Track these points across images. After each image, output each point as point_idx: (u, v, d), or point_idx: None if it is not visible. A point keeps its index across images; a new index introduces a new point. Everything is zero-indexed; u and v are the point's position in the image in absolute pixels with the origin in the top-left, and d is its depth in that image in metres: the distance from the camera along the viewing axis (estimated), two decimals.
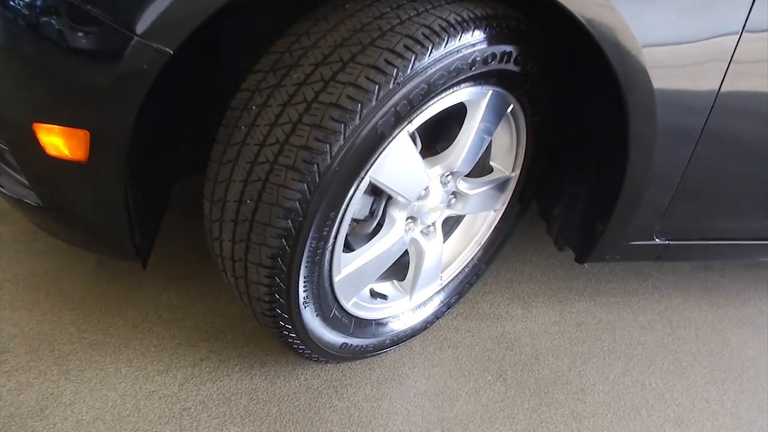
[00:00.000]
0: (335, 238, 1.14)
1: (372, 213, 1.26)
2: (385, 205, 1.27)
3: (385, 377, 1.44)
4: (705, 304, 1.81)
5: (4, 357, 1.38)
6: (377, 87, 0.97)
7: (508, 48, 1.12)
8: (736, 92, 1.18)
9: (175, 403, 1.32)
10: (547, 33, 1.22)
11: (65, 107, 1.04)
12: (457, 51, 1.03)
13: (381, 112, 0.99)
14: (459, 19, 1.03)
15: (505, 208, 1.54)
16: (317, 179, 0.98)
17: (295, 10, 1.13)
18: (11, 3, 0.94)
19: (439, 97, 1.10)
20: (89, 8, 0.92)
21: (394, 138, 1.07)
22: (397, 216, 1.27)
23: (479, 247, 1.57)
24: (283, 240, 1.02)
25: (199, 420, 1.29)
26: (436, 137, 1.37)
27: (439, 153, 1.30)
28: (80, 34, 0.96)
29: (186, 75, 1.30)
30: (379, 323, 1.43)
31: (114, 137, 1.05)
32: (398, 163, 1.12)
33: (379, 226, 1.30)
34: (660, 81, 1.11)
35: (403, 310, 1.47)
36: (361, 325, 1.38)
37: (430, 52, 1.00)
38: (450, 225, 1.55)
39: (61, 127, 1.06)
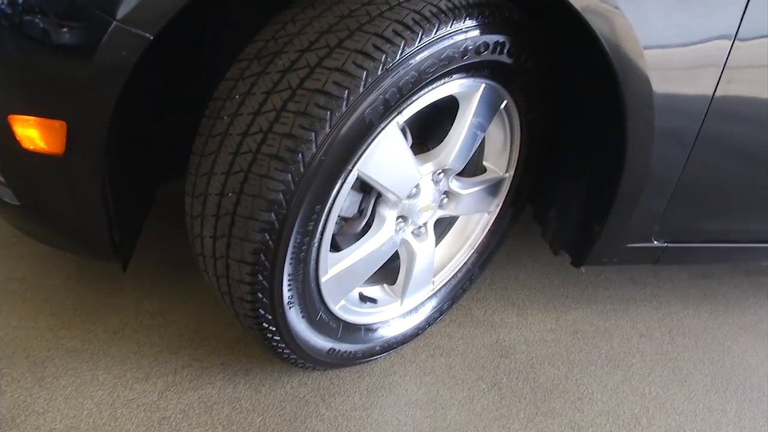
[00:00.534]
0: (321, 234, 1.09)
1: (361, 212, 1.22)
2: (375, 204, 1.22)
3: (374, 385, 1.38)
4: (704, 312, 1.76)
5: None
6: (365, 73, 0.93)
7: (500, 38, 1.08)
8: (730, 96, 1.16)
9: (154, 411, 1.25)
10: (545, 32, 1.19)
11: (41, 97, 1.00)
12: (449, 38, 0.99)
13: (369, 100, 0.95)
14: (450, 5, 0.99)
15: (499, 210, 1.50)
16: (302, 169, 0.94)
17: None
18: None
19: (430, 87, 1.07)
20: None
21: (383, 129, 1.03)
22: (387, 214, 1.22)
23: (473, 251, 1.52)
24: (266, 234, 0.97)
25: (179, 429, 1.22)
26: (428, 135, 1.33)
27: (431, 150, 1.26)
28: (57, 19, 0.92)
29: (169, 67, 1.27)
30: (368, 329, 1.37)
31: (92, 129, 1.01)
32: (387, 156, 1.08)
33: (369, 226, 1.25)
34: (659, 83, 1.09)
35: (393, 315, 1.42)
36: (350, 330, 1.32)
37: (420, 38, 0.96)
38: (443, 227, 1.51)
39: (37, 119, 1.02)
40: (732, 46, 1.10)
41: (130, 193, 1.31)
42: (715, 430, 1.38)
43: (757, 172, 1.36)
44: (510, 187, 1.46)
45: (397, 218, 1.25)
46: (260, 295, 1.05)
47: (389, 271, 1.40)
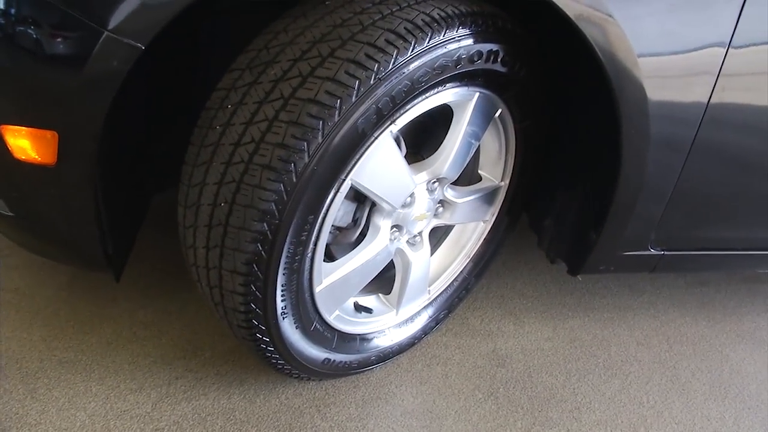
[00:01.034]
0: (315, 244, 1.08)
1: (355, 221, 1.21)
2: (369, 213, 1.22)
3: (370, 396, 1.37)
4: (702, 319, 1.75)
5: None
6: (357, 82, 0.92)
7: (494, 47, 1.08)
8: (725, 104, 1.16)
9: (148, 423, 1.24)
10: (539, 40, 1.19)
11: (32, 107, 0.99)
12: (442, 47, 0.99)
13: (362, 109, 0.94)
14: (443, 14, 0.99)
15: (495, 219, 1.49)
16: (294, 179, 0.93)
17: (273, 11, 1.10)
18: None
19: (424, 96, 1.06)
20: (57, 2, 0.88)
21: (376, 138, 1.02)
22: (382, 224, 1.22)
23: (468, 260, 1.52)
24: (259, 245, 0.97)
25: None
26: (423, 144, 1.33)
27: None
28: (48, 29, 0.92)
29: (160, 76, 1.26)
30: (363, 338, 1.36)
31: (84, 139, 1.01)
32: (381, 165, 1.07)
33: (363, 235, 1.24)
34: (653, 91, 1.08)
35: (389, 325, 1.41)
36: (345, 340, 1.31)
37: (413, 47, 0.96)
38: (438, 236, 1.50)
39: (29, 129, 1.02)
40: (726, 53, 1.10)
41: (122, 203, 1.30)
42: None
43: (754, 179, 1.35)
44: (506, 196, 1.46)
45: (392, 228, 1.25)
46: (253, 306, 1.04)
47: (384, 281, 1.39)
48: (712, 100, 1.14)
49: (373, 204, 1.20)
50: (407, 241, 1.31)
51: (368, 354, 1.37)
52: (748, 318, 1.78)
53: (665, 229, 1.37)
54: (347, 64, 0.93)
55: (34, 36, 0.92)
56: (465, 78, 1.11)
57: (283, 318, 1.11)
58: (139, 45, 0.91)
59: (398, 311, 1.41)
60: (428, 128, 1.30)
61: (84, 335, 1.44)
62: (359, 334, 1.35)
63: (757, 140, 1.27)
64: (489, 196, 1.43)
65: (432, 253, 1.44)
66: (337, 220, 1.16)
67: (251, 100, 0.97)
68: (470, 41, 1.02)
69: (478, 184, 1.41)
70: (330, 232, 1.11)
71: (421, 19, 0.97)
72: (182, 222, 1.09)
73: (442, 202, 1.33)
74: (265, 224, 0.95)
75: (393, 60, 0.94)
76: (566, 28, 1.01)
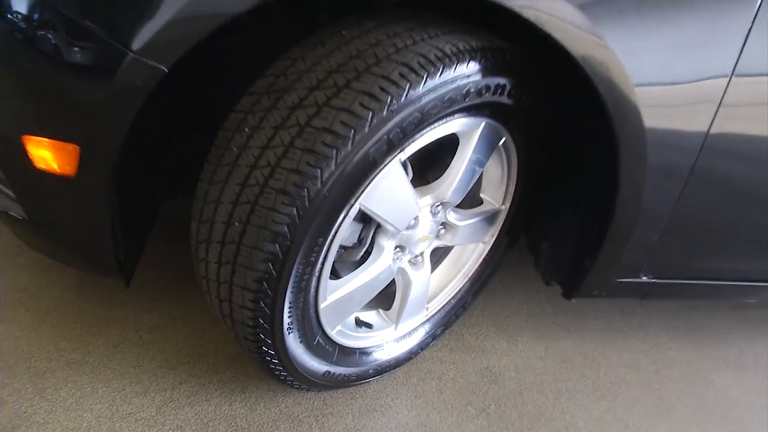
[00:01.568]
0: (323, 264, 1.13)
1: (360, 240, 1.26)
2: (374, 233, 1.27)
3: (367, 407, 1.41)
4: (689, 344, 1.80)
5: None
6: (371, 114, 0.97)
7: (502, 80, 1.13)
8: (724, 134, 1.20)
9: (152, 426, 1.28)
10: (541, 68, 1.24)
11: (56, 120, 1.04)
12: (452, 81, 1.04)
13: (373, 139, 0.99)
14: (455, 49, 1.04)
15: (494, 241, 1.54)
16: (307, 204, 0.98)
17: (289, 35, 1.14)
18: (8, 15, 0.94)
19: (432, 126, 1.11)
20: (86, 23, 0.92)
21: (385, 166, 1.07)
22: (386, 245, 1.27)
23: (467, 279, 1.57)
24: (270, 264, 1.01)
25: None
26: (428, 166, 1.37)
27: (430, 182, 1.30)
28: (75, 48, 0.96)
29: (176, 93, 1.30)
30: (363, 352, 1.41)
31: (104, 153, 1.05)
32: (389, 191, 1.12)
33: (367, 253, 1.29)
34: (651, 120, 1.13)
35: (387, 339, 1.46)
36: (345, 354, 1.36)
37: (425, 81, 1.00)
38: (438, 255, 1.55)
39: (51, 141, 1.06)
40: (729, 83, 1.13)
41: (135, 212, 1.34)
42: None
43: (748, 210, 1.39)
44: (506, 219, 1.51)
45: (395, 248, 1.29)
46: (261, 321, 1.09)
47: (385, 297, 1.44)
48: (711, 130, 1.18)
49: (378, 225, 1.24)
50: (409, 261, 1.36)
51: (367, 367, 1.42)
52: (734, 344, 1.84)
53: (658, 258, 1.42)
54: (362, 96, 0.97)
55: (62, 53, 0.96)
56: (472, 109, 1.16)
57: (289, 333, 1.16)
58: (163, 67, 0.96)
59: (397, 326, 1.45)
60: (433, 152, 1.35)
61: (91, 337, 1.48)
62: (359, 348, 1.39)
63: (755, 170, 1.31)
64: (490, 219, 1.47)
65: (432, 272, 1.49)
66: (343, 239, 1.20)
67: (268, 125, 1.01)
68: (479, 76, 1.07)
69: (479, 207, 1.45)
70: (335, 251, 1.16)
71: (434, 54, 1.02)
72: (195, 236, 1.13)
73: (445, 225, 1.38)
74: (277, 245, 1.00)
75: (405, 93, 0.99)
76: (565, 58, 1.05)
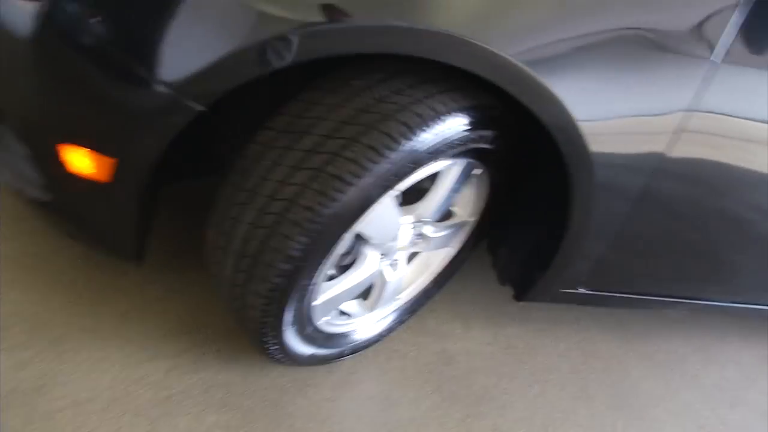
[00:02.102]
0: (321, 274, 1.35)
1: (349, 251, 1.48)
2: (361, 244, 1.48)
3: (342, 381, 1.67)
4: (615, 338, 2.11)
5: (3, 334, 1.53)
6: (374, 165, 1.17)
7: (485, 132, 1.33)
8: (676, 160, 1.34)
9: (161, 389, 1.51)
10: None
11: (99, 136, 1.19)
12: (443, 136, 1.24)
13: (374, 183, 1.20)
14: (446, 109, 1.23)
15: (460, 246, 1.78)
16: (315, 234, 1.19)
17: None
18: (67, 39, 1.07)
19: (423, 168, 1.31)
20: (134, 62, 1.07)
21: (380, 200, 1.28)
22: (371, 254, 1.49)
23: (434, 276, 1.81)
24: (281, 278, 1.23)
25: (182, 406, 1.49)
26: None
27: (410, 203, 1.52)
28: (123, 82, 1.11)
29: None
30: (342, 336, 1.65)
31: (140, 165, 1.22)
32: (380, 217, 1.34)
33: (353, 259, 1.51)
34: (597, 146, 1.26)
35: (363, 325, 1.70)
36: (328, 338, 1.60)
37: (419, 137, 1.20)
38: (410, 256, 1.78)
39: (90, 151, 1.22)
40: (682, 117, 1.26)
41: (151, 202, 1.52)
42: None
43: (685, 232, 1.60)
44: (472, 228, 1.74)
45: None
46: (267, 319, 1.31)
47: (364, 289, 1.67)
48: (660, 159, 1.32)
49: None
50: (389, 264, 1.59)
51: (344, 348, 1.66)
52: (652, 341, 2.16)
53: (597, 273, 1.68)
54: (368, 150, 1.17)
55: (111, 84, 1.12)
56: (458, 154, 1.36)
57: (288, 326, 1.39)
58: (202, 108, 1.13)
59: (372, 313, 1.70)
60: None
61: (100, 305, 1.67)
62: (339, 333, 1.64)
63: (692, 194, 1.47)
64: (458, 228, 1.71)
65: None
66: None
67: (286, 163, 1.20)
68: (466, 130, 1.27)
69: (451, 219, 1.68)
70: None
71: (429, 114, 1.21)
72: (212, 241, 1.33)
73: (421, 235, 1.61)
74: (289, 264, 1.21)
75: (403, 147, 1.19)
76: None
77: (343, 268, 1.52)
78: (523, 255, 1.74)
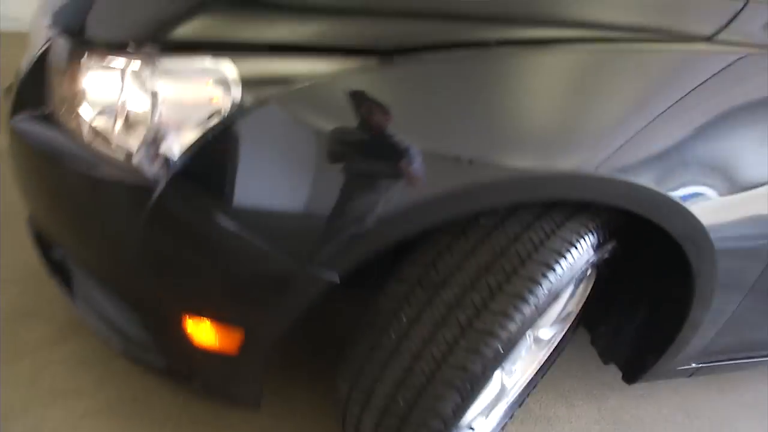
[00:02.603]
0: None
1: None
2: None
3: None
4: (713, 391, 2.08)
5: None
6: (521, 316, 1.13)
7: (608, 245, 1.30)
8: None
9: None
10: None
11: (226, 308, 1.15)
12: (578, 266, 1.20)
13: (520, 330, 1.15)
14: (577, 237, 1.19)
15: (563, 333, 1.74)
16: (468, 393, 1.14)
17: None
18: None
19: (559, 299, 1.27)
20: (265, 245, 1.02)
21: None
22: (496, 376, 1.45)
23: (540, 365, 1.77)
24: None
25: None
26: None
27: None
28: (257, 262, 1.06)
29: None
30: None
31: (269, 336, 1.18)
32: (517, 352, 1.29)
33: None
34: (721, 243, 1.26)
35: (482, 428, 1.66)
36: None
37: (558, 273, 1.16)
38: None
39: (215, 323, 1.18)
40: None
41: None
42: None
43: None
44: (575, 317, 1.71)
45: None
46: None
47: None
48: None
49: None
50: (505, 373, 1.55)
51: None
52: (752, 387, 2.12)
53: (708, 349, 1.65)
54: (514, 299, 1.13)
55: (244, 265, 1.07)
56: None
57: None
58: (335, 280, 1.08)
59: (488, 416, 1.66)
60: None
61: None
62: None
63: None
64: (566, 319, 1.67)
65: None
66: None
67: (428, 321, 1.15)
68: (596, 250, 1.23)
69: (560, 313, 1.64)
70: None
71: (564, 247, 1.17)
72: (345, 395, 1.28)
73: (537, 339, 1.57)
74: (441, 422, 1.17)
75: (546, 290, 1.15)
76: None
77: None
78: (629, 336, 1.70)
